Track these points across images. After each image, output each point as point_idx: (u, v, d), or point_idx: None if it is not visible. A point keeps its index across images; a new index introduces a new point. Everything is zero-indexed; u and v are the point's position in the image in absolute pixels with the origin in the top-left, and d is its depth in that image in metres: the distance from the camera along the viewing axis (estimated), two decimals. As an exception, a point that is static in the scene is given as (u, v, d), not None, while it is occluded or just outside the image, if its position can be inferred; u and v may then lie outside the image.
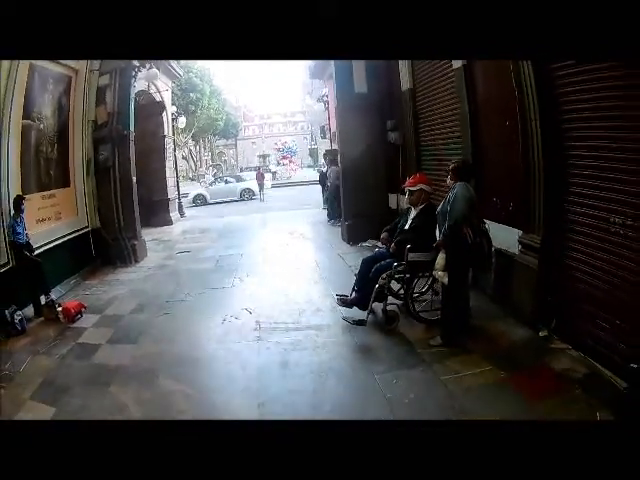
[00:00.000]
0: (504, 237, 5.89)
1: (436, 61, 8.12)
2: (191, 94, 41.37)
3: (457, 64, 7.04)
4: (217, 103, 54.61)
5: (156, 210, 16.39)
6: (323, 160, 20.79)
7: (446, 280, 5.12)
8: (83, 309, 7.76)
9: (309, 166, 60.45)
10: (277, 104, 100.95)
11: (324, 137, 22.19)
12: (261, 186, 29.30)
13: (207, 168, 61.26)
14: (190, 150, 57.71)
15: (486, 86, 6.55)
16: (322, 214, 16.21)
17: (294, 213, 17.65)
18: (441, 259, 5.17)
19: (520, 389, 4.18)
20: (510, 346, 5.11)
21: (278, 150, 68.29)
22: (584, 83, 4.38)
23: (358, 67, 10.94)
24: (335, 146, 16.27)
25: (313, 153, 64.45)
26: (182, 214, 20.25)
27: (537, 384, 4.31)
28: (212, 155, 72.70)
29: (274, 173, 47.87)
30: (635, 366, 3.79)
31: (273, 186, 36.06)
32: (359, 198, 10.70)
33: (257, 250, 11.52)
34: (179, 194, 21.03)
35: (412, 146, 9.58)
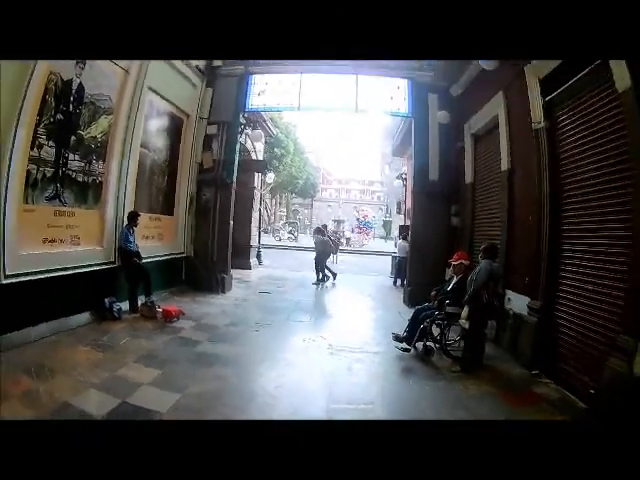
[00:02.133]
0: (521, 304, 7.64)
1: (493, 162, 9.88)
2: (276, 149, 41.23)
3: (504, 167, 8.91)
4: (300, 162, 54.92)
5: (239, 254, 17.12)
6: (397, 233, 21.91)
7: (467, 326, 7.04)
8: (182, 314, 9.32)
9: (381, 237, 60.68)
10: (356, 170, 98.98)
11: (399, 212, 23.73)
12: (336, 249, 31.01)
13: (284, 224, 60.92)
14: (266, 203, 56.98)
15: (520, 188, 8.36)
16: (389, 281, 17.53)
17: (364, 277, 18.53)
18: (465, 311, 7.08)
19: (505, 399, 5.87)
20: (508, 377, 6.79)
21: (357, 220, 67.47)
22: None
23: (433, 156, 12.67)
24: (408, 222, 17.62)
25: (387, 225, 64.67)
26: (260, 262, 21.33)
27: (519, 399, 5.95)
28: (287, 212, 72.42)
29: (348, 239, 48.61)
30: (593, 392, 5.40)
31: (344, 251, 36.21)
32: (422, 269, 12.12)
33: (330, 301, 13.27)
34: (259, 243, 22.25)
35: (468, 229, 11.35)
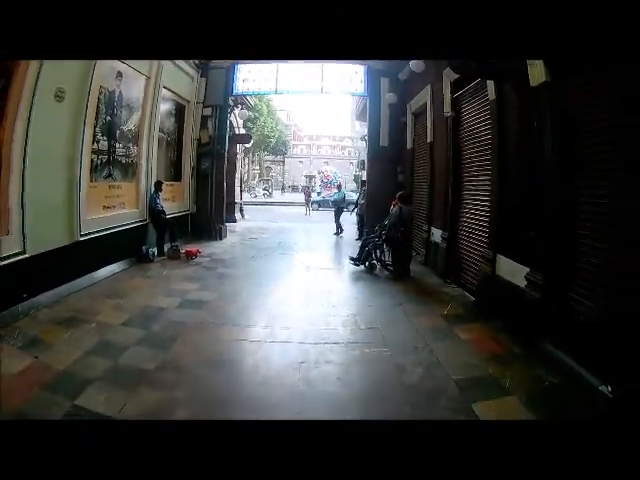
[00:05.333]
0: (438, 235, 10.97)
1: (423, 134, 12.98)
2: (250, 112, 41.62)
3: (429, 139, 12.08)
4: (272, 122, 56.93)
5: (227, 210, 18.83)
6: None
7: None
8: (199, 253, 12.56)
9: (351, 190, 62.69)
10: (327, 126, 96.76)
11: (363, 169, 26.26)
12: (307, 202, 33.83)
13: (258, 182, 63.03)
14: (242, 163, 57.54)
15: (437, 155, 11.52)
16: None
17: (332, 224, 20.35)
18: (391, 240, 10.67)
19: (419, 292, 9.25)
20: (427, 283, 10.22)
21: (321, 180, 70.11)
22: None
23: (383, 127, 16.27)
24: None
25: (357, 179, 66.98)
26: (242, 216, 24.35)
27: (430, 293, 9.25)
28: (260, 169, 73.32)
29: (319, 193, 50.46)
30: (474, 288, 8.78)
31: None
32: (374, 213, 15.13)
33: (306, 241, 16.86)
34: (241, 199, 26.02)
35: (409, 183, 14.66)
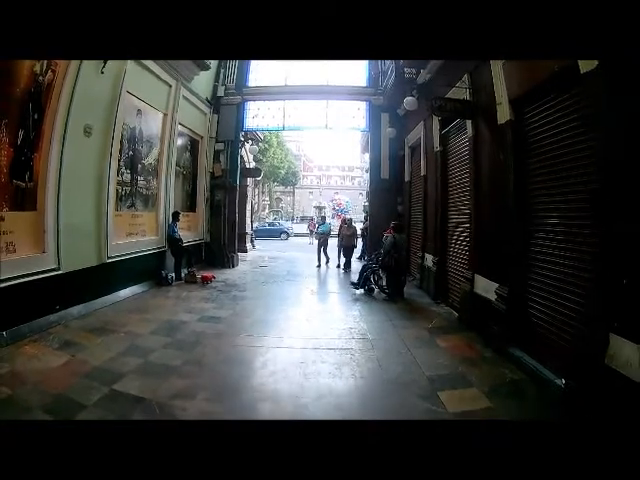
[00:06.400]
0: (430, 261, 11.89)
1: (418, 168, 13.86)
2: (260, 144, 41.90)
3: (422, 172, 13.10)
4: (281, 153, 56.98)
5: (239, 240, 19.63)
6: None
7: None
8: (214, 278, 13.66)
9: (361, 221, 62.24)
10: (336, 156, 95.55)
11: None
12: (311, 232, 34.03)
13: (268, 213, 62.68)
14: (253, 195, 57.15)
15: (430, 187, 12.43)
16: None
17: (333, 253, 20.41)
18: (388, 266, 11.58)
19: (411, 311, 10.22)
20: (419, 303, 11.15)
21: (333, 208, 70.22)
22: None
23: (384, 161, 17.43)
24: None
25: (365, 209, 66.92)
26: (253, 246, 25.40)
27: (420, 311, 10.20)
28: (270, 200, 73.39)
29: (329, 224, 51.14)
30: (457, 305, 9.71)
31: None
32: (376, 240, 15.62)
33: (312, 269, 17.69)
34: (252, 229, 27.06)
35: (407, 212, 15.83)
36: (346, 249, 17.30)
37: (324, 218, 22.77)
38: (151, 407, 5.00)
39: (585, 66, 4.84)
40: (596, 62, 4.66)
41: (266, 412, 5.14)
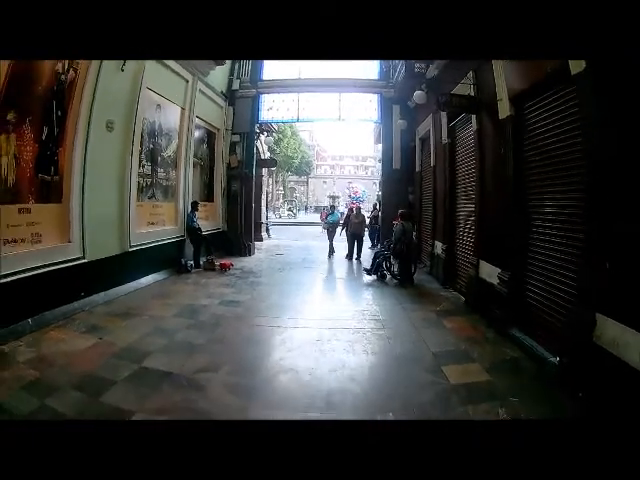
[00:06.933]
0: (440, 248, 12.34)
1: (428, 158, 14.37)
2: (274, 134, 41.57)
3: (432, 163, 13.53)
4: (295, 143, 57.31)
5: (255, 229, 20.00)
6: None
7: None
8: (232, 266, 14.04)
9: (368, 210, 61.89)
10: (350, 146, 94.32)
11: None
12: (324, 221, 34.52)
13: (283, 203, 63.20)
14: (266, 184, 56.84)
15: (439, 177, 12.87)
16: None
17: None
18: (397, 255, 12.05)
19: (418, 295, 10.70)
20: (428, 288, 11.62)
21: (349, 196, 70.48)
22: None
23: (395, 152, 17.82)
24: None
25: (379, 198, 66.60)
26: (269, 235, 25.77)
27: (428, 296, 10.64)
28: (285, 190, 73.43)
29: (342, 214, 51.17)
30: (464, 290, 10.22)
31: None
32: (387, 229, 16.34)
33: (324, 256, 18.01)
34: (267, 219, 27.45)
35: (418, 202, 16.27)
36: (355, 237, 17.22)
37: (333, 207, 22.64)
38: (179, 379, 5.48)
39: (575, 68, 5.23)
40: (584, 64, 5.06)
41: (285, 382, 5.64)
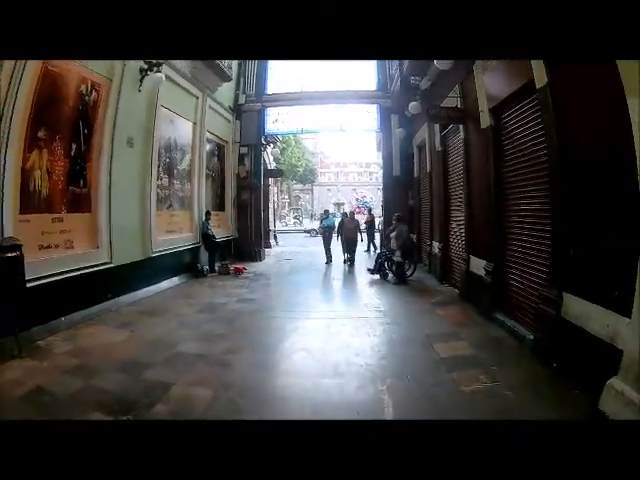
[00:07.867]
0: (437, 247, 13.21)
1: (424, 165, 15.12)
2: (278, 144, 41.05)
3: (428, 169, 14.35)
4: (298, 152, 58.05)
5: (264, 236, 20.88)
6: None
7: (398, 259, 12.92)
8: (245, 270, 15.12)
9: (379, 216, 61.46)
10: (353, 153, 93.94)
11: None
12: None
13: (288, 211, 64.13)
14: (273, 194, 56.41)
15: (434, 182, 13.62)
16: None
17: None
18: (398, 253, 12.95)
19: (418, 290, 11.60)
20: (426, 284, 12.54)
21: (356, 200, 70.91)
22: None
23: (395, 159, 18.56)
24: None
25: (380, 204, 66.34)
26: (276, 242, 26.39)
27: (427, 290, 11.58)
28: (290, 198, 73.95)
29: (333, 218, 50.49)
30: (458, 284, 11.12)
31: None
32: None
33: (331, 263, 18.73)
34: (275, 227, 28.52)
35: (417, 206, 17.16)
36: (349, 243, 17.30)
37: (327, 212, 21.47)
38: (210, 358, 6.43)
39: (539, 82, 6.17)
40: (546, 79, 5.98)
41: (299, 358, 6.63)
